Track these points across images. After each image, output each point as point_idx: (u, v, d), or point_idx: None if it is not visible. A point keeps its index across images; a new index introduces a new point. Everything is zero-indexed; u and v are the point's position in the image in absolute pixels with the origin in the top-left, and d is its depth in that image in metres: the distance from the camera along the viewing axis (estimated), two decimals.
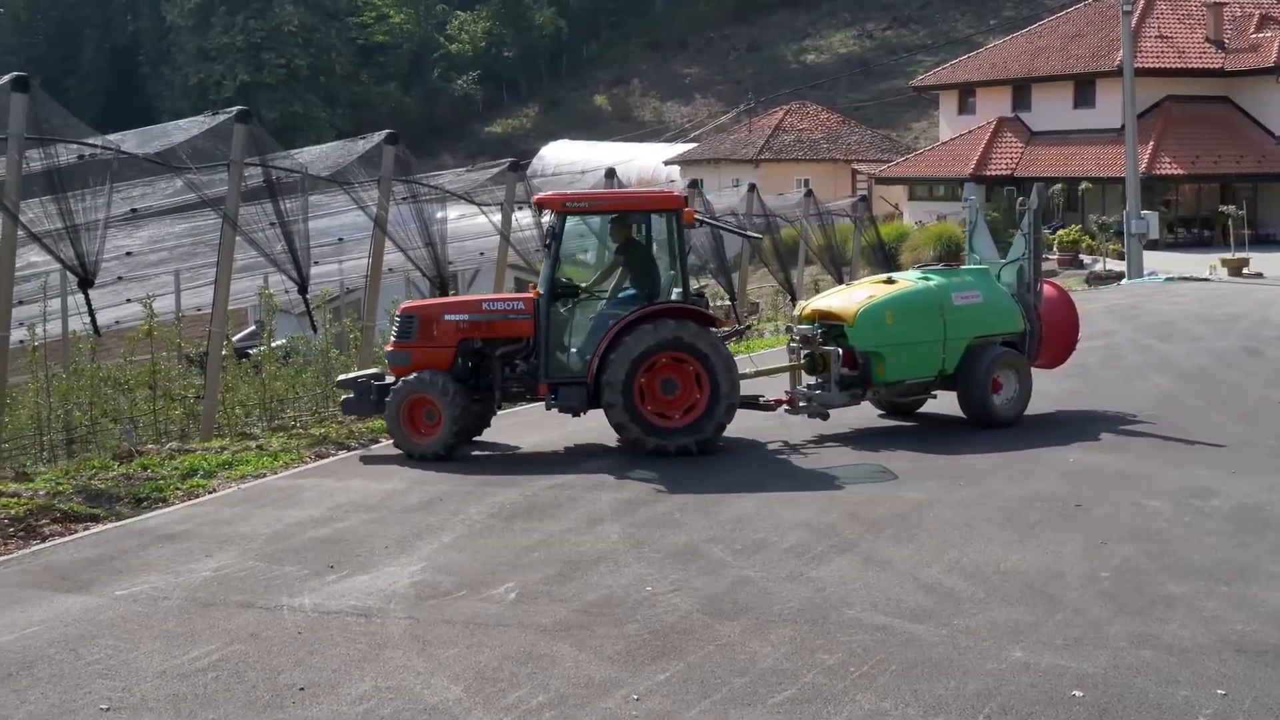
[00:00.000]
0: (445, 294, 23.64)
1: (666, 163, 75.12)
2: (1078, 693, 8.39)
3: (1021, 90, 61.63)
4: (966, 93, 64.83)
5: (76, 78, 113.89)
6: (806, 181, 53.71)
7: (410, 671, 9.03)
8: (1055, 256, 49.01)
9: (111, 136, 19.63)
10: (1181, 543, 11.85)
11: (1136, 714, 8.13)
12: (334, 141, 25.93)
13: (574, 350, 17.04)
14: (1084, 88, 58.96)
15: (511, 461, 16.46)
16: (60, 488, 15.03)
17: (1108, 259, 47.48)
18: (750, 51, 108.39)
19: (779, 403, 18.07)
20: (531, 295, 17.19)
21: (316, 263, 25.94)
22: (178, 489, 15.21)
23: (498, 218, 27.17)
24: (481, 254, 35.19)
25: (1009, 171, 57.66)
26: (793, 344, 18.56)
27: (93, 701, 8.65)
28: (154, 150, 20.09)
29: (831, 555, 11.58)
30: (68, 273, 18.92)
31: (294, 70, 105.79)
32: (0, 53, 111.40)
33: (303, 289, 21.06)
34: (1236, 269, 43.91)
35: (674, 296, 17.00)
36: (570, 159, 75.44)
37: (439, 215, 24.38)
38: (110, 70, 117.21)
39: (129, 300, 32.06)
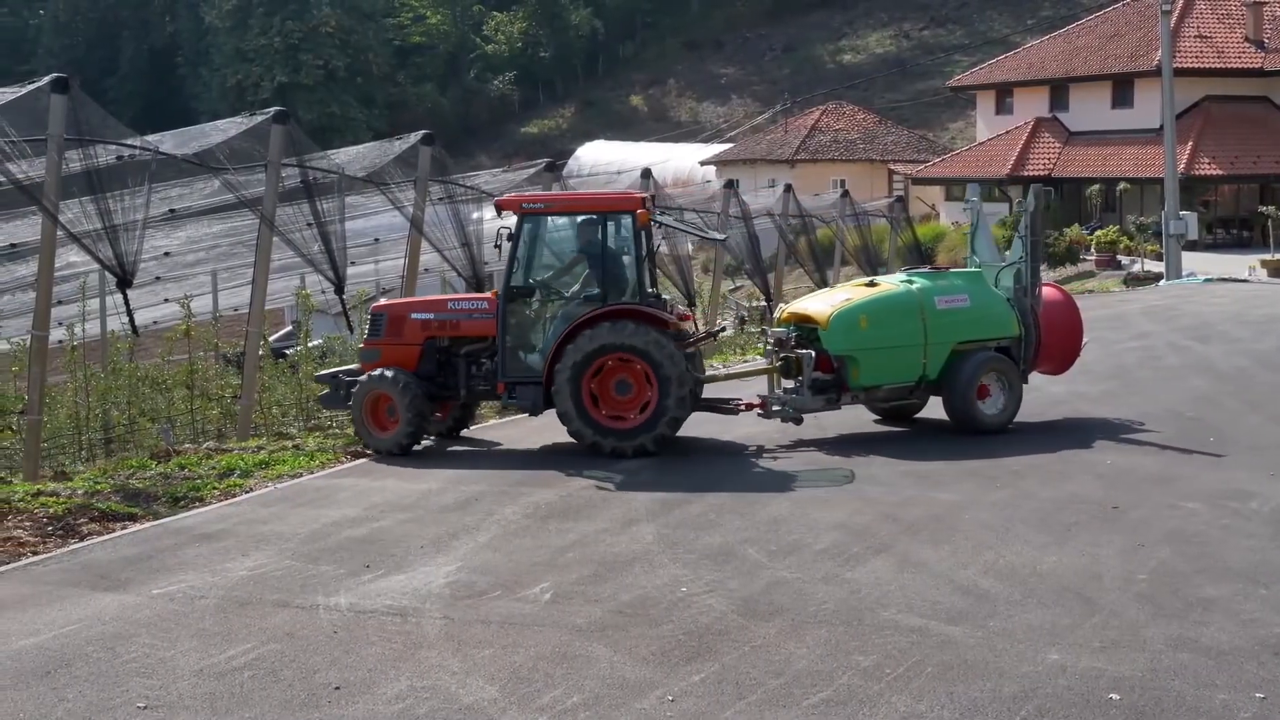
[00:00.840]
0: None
1: (702, 163, 74.99)
2: (1115, 696, 8.35)
3: (1059, 90, 61.34)
4: (1004, 93, 64.58)
5: (115, 79, 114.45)
6: (842, 182, 53.65)
7: (445, 671, 9.05)
8: (1093, 257, 48.80)
9: (150, 137, 19.75)
10: (1220, 545, 11.77)
11: (1174, 717, 8.09)
12: (371, 142, 26.01)
13: (533, 350, 17.25)
14: (1122, 88, 58.64)
15: (547, 462, 16.46)
16: (98, 487, 15.11)
17: (1146, 260, 47.22)
18: (786, 52, 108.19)
19: (749, 406, 18.03)
20: (492, 295, 17.57)
21: (353, 263, 26.06)
22: (215, 488, 15.28)
23: None
24: None
25: (1046, 172, 57.38)
26: (769, 347, 18.32)
27: (130, 700, 8.69)
28: (192, 151, 20.21)
29: (867, 557, 11.55)
30: (106, 273, 19.02)
31: (331, 71, 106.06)
32: (40, 54, 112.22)
33: (339, 289, 21.14)
34: (1276, 270, 43.60)
35: (629, 298, 17.06)
36: (606, 159, 75.44)
37: (475, 215, 24.44)
38: (149, 71, 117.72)
39: (167, 300, 32.29)
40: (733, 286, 50.86)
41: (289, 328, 40.09)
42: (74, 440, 21.38)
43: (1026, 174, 57.58)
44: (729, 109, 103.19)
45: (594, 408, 16.64)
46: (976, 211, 19.43)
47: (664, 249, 32.44)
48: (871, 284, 18.62)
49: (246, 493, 15.25)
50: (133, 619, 10.40)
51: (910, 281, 18.12)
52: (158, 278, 31.44)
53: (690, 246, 34.39)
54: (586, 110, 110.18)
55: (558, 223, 17.65)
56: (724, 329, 22.95)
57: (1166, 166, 45.50)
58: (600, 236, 17.15)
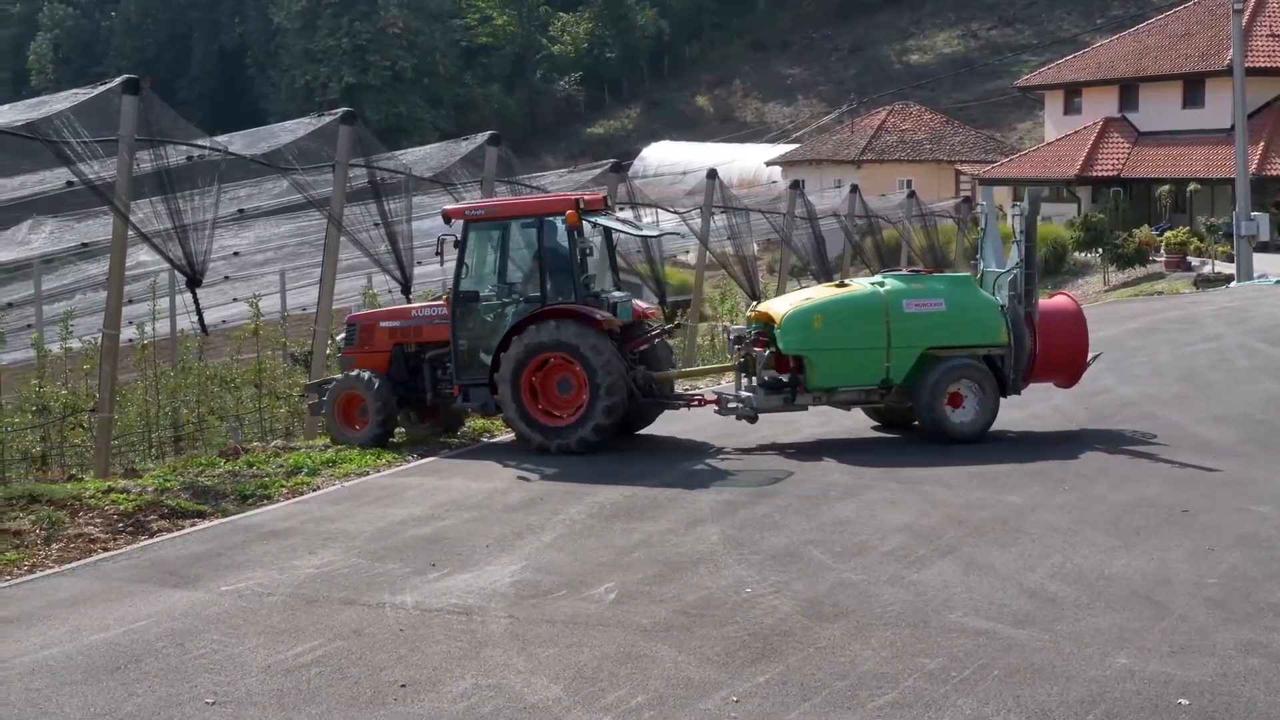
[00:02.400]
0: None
1: (768, 164, 74.85)
2: (1184, 701, 8.27)
3: (1129, 90, 60.83)
4: (1072, 93, 64.11)
5: (185, 80, 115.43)
6: (909, 182, 53.47)
7: (510, 670, 9.07)
8: (1163, 259, 48.36)
9: (219, 138, 19.90)
10: None
11: None
12: (437, 143, 26.10)
13: (483, 353, 17.76)
14: (1193, 87, 58.09)
15: (611, 462, 16.48)
16: (168, 484, 15.26)
17: (1216, 261, 46.76)
18: (853, 52, 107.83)
19: (704, 402, 18.27)
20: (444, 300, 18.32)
21: (419, 263, 26.09)
22: (282, 486, 15.40)
23: None
24: None
25: (1115, 173, 56.94)
26: (731, 344, 18.45)
27: (198, 695, 8.76)
28: (261, 151, 20.34)
29: (933, 559, 11.50)
30: (176, 272, 19.20)
31: (398, 72, 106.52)
32: (111, 56, 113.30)
33: (406, 289, 21.23)
34: None
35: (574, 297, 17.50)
36: (672, 160, 75.37)
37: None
38: (218, 72, 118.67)
39: (235, 299, 32.52)
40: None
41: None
42: (144, 438, 21.58)
43: (1095, 174, 57.16)
44: (795, 109, 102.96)
45: (535, 406, 17.28)
46: (986, 216, 18.97)
47: (729, 249, 32.47)
48: (842, 285, 18.58)
49: (314, 491, 15.36)
50: (201, 615, 10.49)
51: (881, 284, 17.82)
52: (226, 277, 31.67)
53: (755, 247, 34.33)
54: (652, 111, 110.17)
55: (499, 228, 18.13)
56: (679, 324, 23.17)
57: (1238, 167, 45.03)
58: (538, 239, 17.72)
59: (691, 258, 38.81)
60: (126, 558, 12.53)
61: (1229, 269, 44.92)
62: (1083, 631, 9.52)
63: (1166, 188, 54.59)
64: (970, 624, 9.75)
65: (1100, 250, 49.12)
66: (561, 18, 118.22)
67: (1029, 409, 18.98)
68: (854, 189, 38.77)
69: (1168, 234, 50.18)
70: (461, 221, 17.89)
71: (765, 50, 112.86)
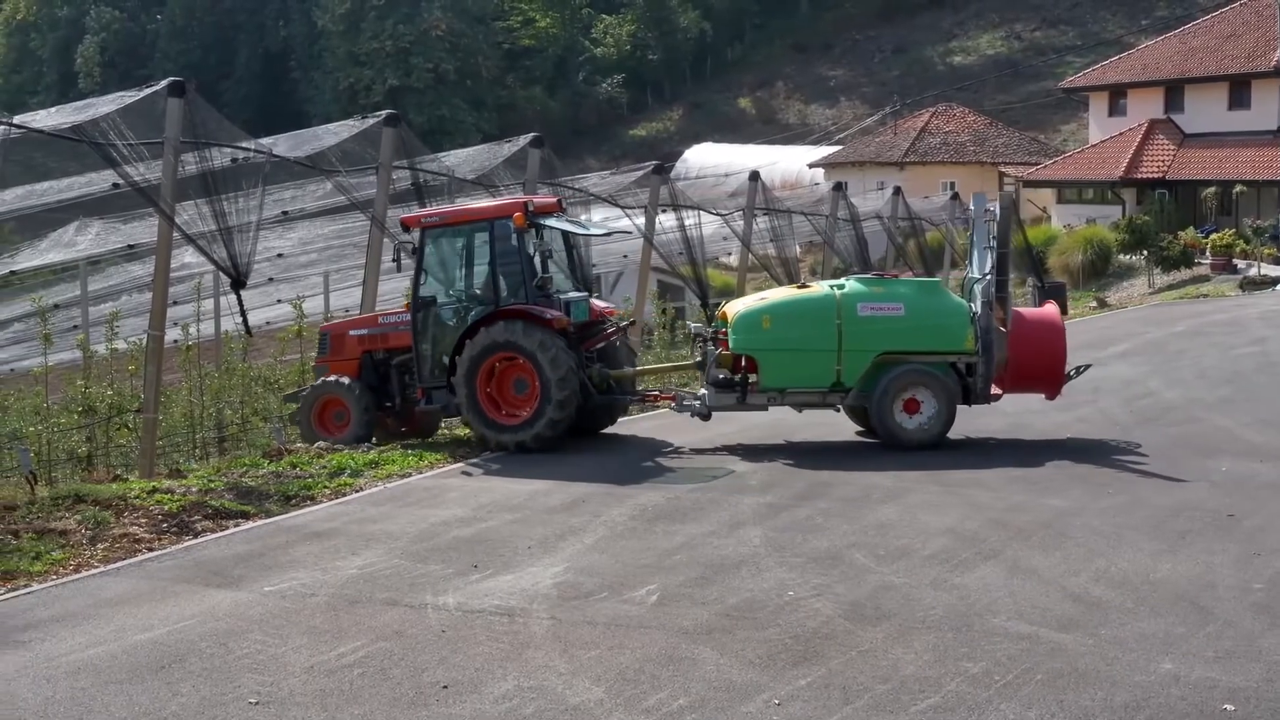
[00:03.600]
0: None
1: (811, 165, 74.72)
2: (1229, 707, 8.21)
3: (1174, 91, 60.39)
4: (1117, 94, 63.69)
5: (230, 83, 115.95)
6: (952, 184, 53.26)
7: (552, 671, 9.08)
8: (1209, 261, 48.04)
9: (264, 140, 20.01)
10: None
11: None
12: (480, 145, 26.19)
13: (442, 356, 18.20)
14: (1239, 89, 57.61)
15: (653, 464, 16.49)
16: (212, 485, 15.34)
17: (1262, 264, 46.40)
18: (896, 53, 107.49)
19: (658, 398, 18.91)
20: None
21: None
22: (325, 487, 15.46)
23: (641, 220, 27.24)
24: (625, 256, 35.37)
25: (1160, 174, 56.55)
26: (692, 342, 18.84)
27: (242, 695, 8.80)
28: (305, 154, 20.45)
29: (976, 562, 11.45)
30: (221, 274, 19.30)
31: (441, 74, 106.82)
32: (157, 59, 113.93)
33: None
34: None
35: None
36: (714, 162, 75.30)
37: (583, 217, 24.52)
38: (263, 75, 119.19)
39: (279, 301, 32.68)
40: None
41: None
42: (188, 438, 21.72)
43: (1140, 176, 56.77)
44: (838, 111, 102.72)
45: (492, 405, 17.79)
46: (974, 220, 18.48)
47: (772, 250, 32.47)
48: (803, 286, 18.66)
49: (356, 492, 15.41)
50: (245, 615, 10.54)
51: (840, 286, 17.76)
52: (271, 279, 31.82)
53: (798, 248, 34.30)
54: (695, 112, 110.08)
55: (453, 234, 18.59)
56: (633, 321, 23.39)
57: None
58: (490, 243, 18.10)
59: (734, 259, 38.78)
60: (171, 558, 12.61)
61: (1275, 271, 44.61)
62: (1127, 636, 9.47)
63: (1212, 190, 54.17)
64: (1013, 628, 9.70)
65: (1145, 253, 48.82)
66: (604, 20, 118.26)
67: (1074, 412, 18.91)
68: (897, 191, 38.72)
69: (1213, 236, 49.84)
70: (419, 229, 18.40)
71: (808, 52, 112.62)
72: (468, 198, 23.34)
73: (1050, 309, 18.56)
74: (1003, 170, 69.39)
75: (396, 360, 18.92)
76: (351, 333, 19.38)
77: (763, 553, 11.94)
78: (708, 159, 79.24)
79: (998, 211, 17.55)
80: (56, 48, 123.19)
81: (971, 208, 18.73)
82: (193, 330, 24.00)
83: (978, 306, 17.40)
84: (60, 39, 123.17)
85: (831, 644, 9.46)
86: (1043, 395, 18.12)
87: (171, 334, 19.98)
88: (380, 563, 12.00)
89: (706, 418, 17.99)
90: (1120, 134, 60.56)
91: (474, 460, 17.17)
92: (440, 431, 19.78)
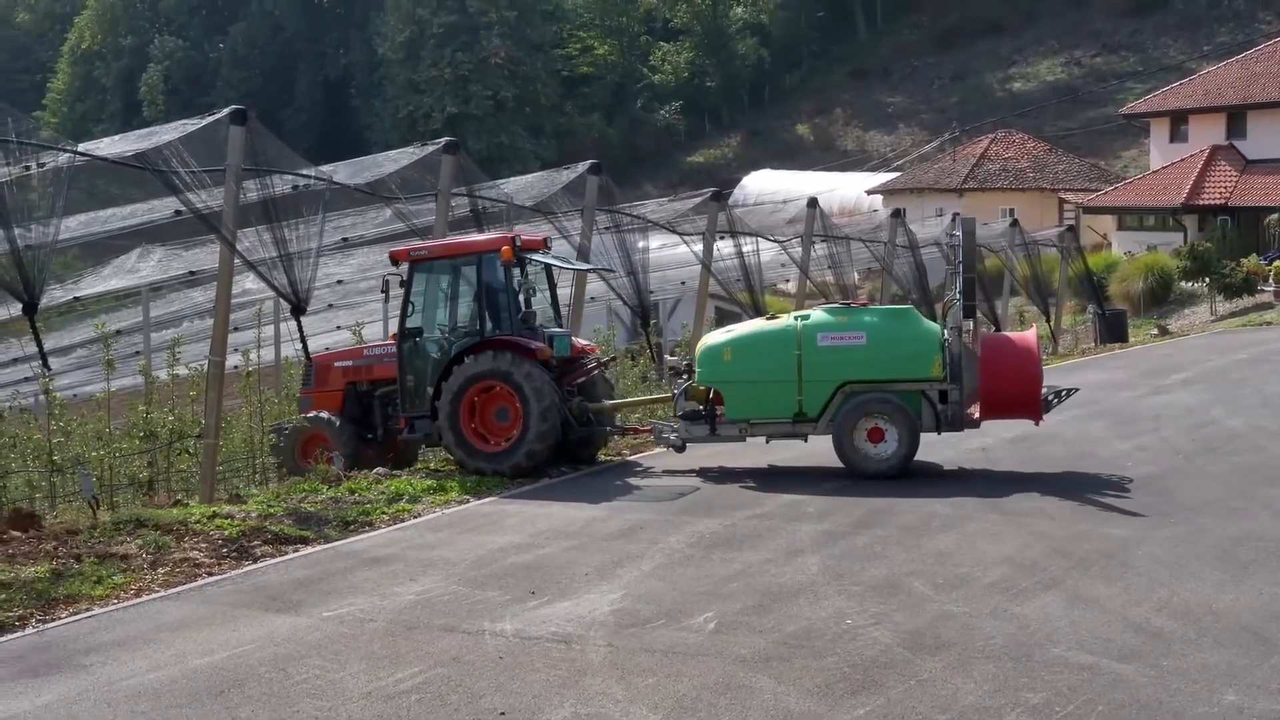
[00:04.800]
0: (646, 323, 24.07)
1: (869, 192, 74.60)
2: None
3: (1236, 117, 59.93)
4: (1178, 120, 63.29)
5: (291, 110, 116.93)
6: (1012, 211, 52.95)
7: (609, 699, 9.06)
8: (1272, 288, 47.59)
9: (324, 167, 20.15)
10: None
11: None
12: (538, 172, 26.27)
13: (427, 386, 18.55)
14: None
15: (711, 491, 16.46)
16: (271, 510, 15.41)
17: None
18: (955, 80, 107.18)
19: (638, 431, 19.62)
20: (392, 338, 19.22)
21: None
22: (384, 513, 15.52)
23: (699, 247, 27.25)
24: (683, 283, 35.38)
25: (1222, 201, 56.11)
26: (669, 374, 19.18)
27: None
28: (364, 181, 20.58)
29: (1036, 592, 11.36)
30: (281, 300, 19.45)
31: (500, 102, 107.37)
32: (220, 86, 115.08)
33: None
34: None
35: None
36: (772, 188, 75.26)
37: (641, 244, 24.58)
38: (323, 103, 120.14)
39: (339, 327, 32.86)
40: None
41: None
42: (248, 464, 21.83)
43: (1202, 203, 56.37)
44: (896, 138, 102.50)
45: (475, 434, 18.13)
46: (958, 248, 18.51)
47: (829, 277, 32.39)
48: (773, 318, 18.74)
49: (415, 518, 15.45)
50: (304, 640, 10.58)
51: (805, 317, 17.78)
52: (330, 305, 32.04)
53: (856, 275, 34.22)
54: (752, 139, 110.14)
55: (441, 267, 18.92)
56: (614, 358, 23.60)
57: None
58: (477, 276, 18.48)
59: (792, 286, 38.72)
60: (231, 582, 12.68)
61: None
62: (1189, 667, 9.36)
63: (1275, 216, 53.66)
64: (1074, 658, 9.61)
65: (1207, 280, 48.46)
66: (662, 47, 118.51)
67: (1135, 440, 18.77)
68: (955, 217, 38.51)
69: (1276, 263, 49.39)
70: (407, 263, 18.80)
71: (866, 78, 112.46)
72: (526, 224, 23.44)
73: (1025, 334, 18.43)
74: (1062, 196, 69.07)
75: (380, 391, 19.28)
76: (336, 364, 19.78)
77: (821, 581, 11.89)
78: (765, 186, 79.22)
79: (958, 236, 17.55)
80: (120, 76, 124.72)
81: (955, 234, 18.65)
82: (253, 356, 24.14)
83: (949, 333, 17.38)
84: (124, 68, 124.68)
85: (890, 673, 9.40)
86: (1029, 419, 17.86)
87: (232, 360, 20.14)
88: (438, 589, 12.02)
89: (681, 449, 18.44)
90: (1182, 160, 60.15)
91: (532, 487, 17.19)
92: (420, 463, 19.89)
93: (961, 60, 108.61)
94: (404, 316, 18.78)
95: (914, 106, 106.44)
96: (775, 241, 31.22)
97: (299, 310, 18.13)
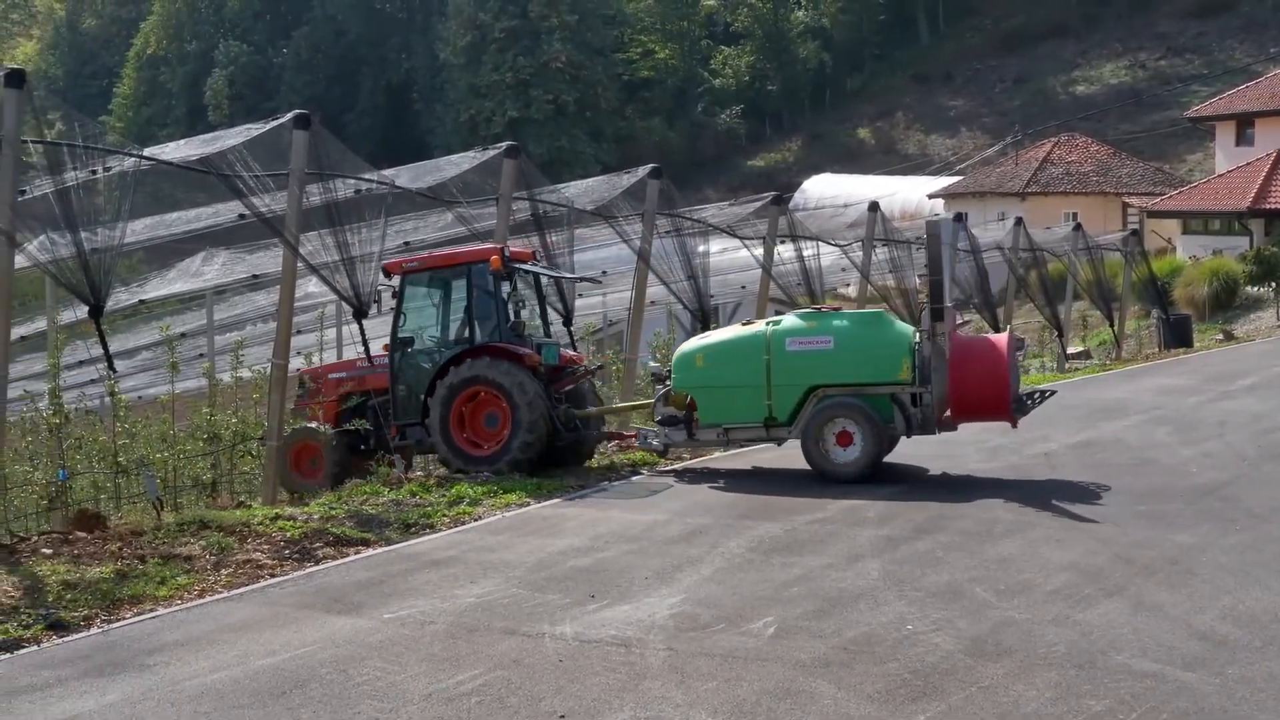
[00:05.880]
0: (706, 327, 23.96)
1: (930, 196, 74.21)
2: None
3: None
4: (1244, 123, 62.65)
5: (353, 114, 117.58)
6: (1075, 215, 52.65)
7: (669, 703, 9.05)
8: None
9: (386, 172, 20.27)
10: None
11: None
12: (599, 176, 26.31)
13: (418, 394, 18.90)
14: None
15: (771, 496, 16.42)
16: (333, 512, 15.51)
17: None
18: (1018, 83, 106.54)
19: (621, 436, 19.85)
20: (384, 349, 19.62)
21: (581, 295, 26.28)
22: (444, 515, 15.57)
23: (759, 251, 27.22)
24: (743, 287, 35.34)
25: None
26: (652, 380, 19.55)
27: None
28: (426, 185, 20.69)
29: (1099, 599, 11.27)
30: (343, 303, 19.56)
31: (561, 106, 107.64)
32: (283, 91, 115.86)
33: (568, 321, 21.40)
34: None
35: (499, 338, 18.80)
36: (833, 192, 75.10)
37: (701, 248, 24.57)
38: (385, 107, 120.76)
39: None
40: (961, 321, 50.15)
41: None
42: None
43: (1268, 206, 55.76)
44: (958, 141, 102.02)
45: (465, 440, 18.60)
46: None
47: (891, 281, 32.28)
48: (747, 323, 18.80)
49: (475, 520, 15.50)
50: (365, 642, 10.62)
51: (776, 323, 17.94)
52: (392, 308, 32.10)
53: (917, 280, 34.09)
54: (813, 143, 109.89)
55: (432, 279, 19.41)
56: (601, 366, 23.66)
57: None
58: (467, 287, 18.91)
59: (853, 290, 38.60)
60: (292, 584, 12.75)
61: None
62: (1255, 676, 9.26)
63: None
64: (1138, 666, 9.53)
65: (1273, 284, 47.98)
66: (723, 51, 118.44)
67: (1199, 446, 18.61)
68: (1018, 221, 38.31)
69: None
70: (399, 276, 19.26)
71: (928, 82, 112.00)
72: (587, 228, 23.48)
73: (997, 336, 18.39)
74: (1126, 200, 68.50)
75: (373, 402, 19.47)
76: (330, 376, 20.12)
77: (881, 586, 11.84)
78: (826, 190, 79.03)
79: (926, 239, 17.70)
80: (185, 81, 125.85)
81: (938, 234, 18.53)
82: (315, 359, 24.28)
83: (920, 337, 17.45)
84: (189, 73, 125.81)
85: (951, 679, 9.35)
86: (1007, 421, 17.74)
87: (294, 362, 20.27)
88: (498, 591, 12.05)
89: (664, 454, 18.95)
90: (1248, 164, 59.52)
91: (592, 491, 17.22)
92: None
93: (1024, 63, 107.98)
94: (396, 327, 19.36)
95: (976, 110, 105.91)
96: (836, 245, 31.16)
97: (361, 313, 18.23)
